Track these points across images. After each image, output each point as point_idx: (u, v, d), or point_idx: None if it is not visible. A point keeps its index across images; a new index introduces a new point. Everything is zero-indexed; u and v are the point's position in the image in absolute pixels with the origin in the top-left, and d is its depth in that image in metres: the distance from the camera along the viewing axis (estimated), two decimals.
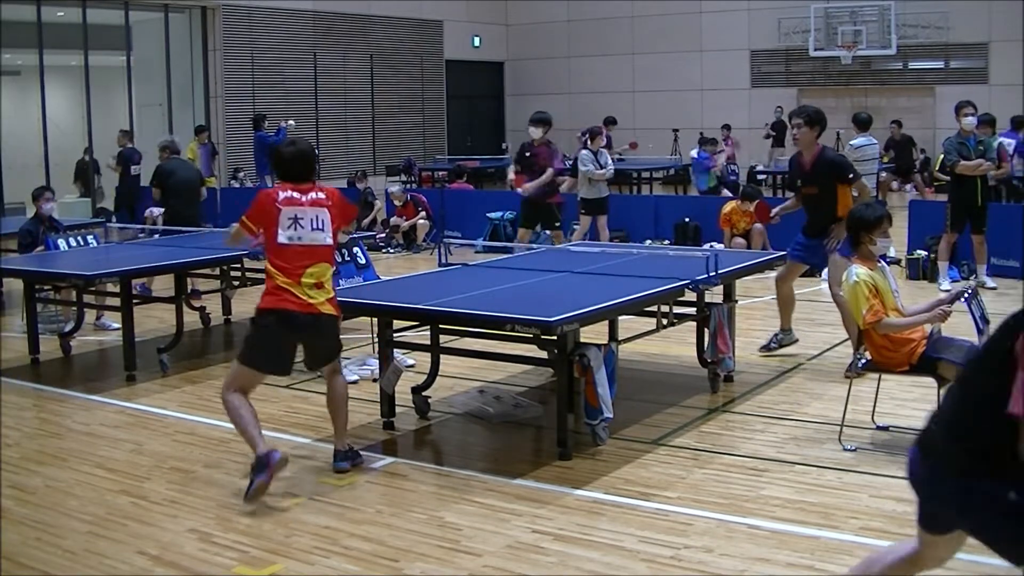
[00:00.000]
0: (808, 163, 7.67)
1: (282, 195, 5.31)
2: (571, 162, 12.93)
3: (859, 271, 5.67)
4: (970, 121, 10.46)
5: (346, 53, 23.89)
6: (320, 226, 5.31)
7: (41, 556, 4.51)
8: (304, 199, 5.32)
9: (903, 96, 23.11)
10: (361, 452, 5.65)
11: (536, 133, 11.21)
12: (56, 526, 4.85)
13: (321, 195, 5.37)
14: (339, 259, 7.59)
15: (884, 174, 17.91)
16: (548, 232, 11.88)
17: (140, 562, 4.43)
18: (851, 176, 7.56)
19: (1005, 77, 21.39)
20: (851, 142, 11.72)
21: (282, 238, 5.25)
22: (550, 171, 11.14)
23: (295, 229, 5.25)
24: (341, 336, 5.57)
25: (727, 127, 20.78)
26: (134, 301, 7.90)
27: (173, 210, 10.48)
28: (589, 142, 12.65)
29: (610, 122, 12.90)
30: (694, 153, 16.92)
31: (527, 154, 11.47)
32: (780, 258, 8.48)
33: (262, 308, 5.28)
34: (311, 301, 5.22)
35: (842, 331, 8.10)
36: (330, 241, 5.36)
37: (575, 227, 13.88)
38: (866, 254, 5.77)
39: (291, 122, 18.33)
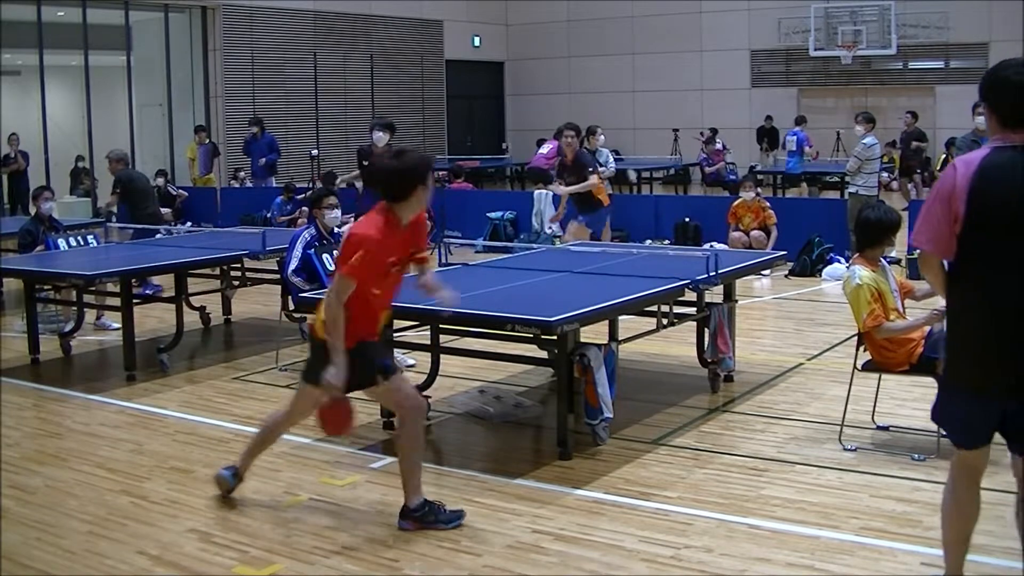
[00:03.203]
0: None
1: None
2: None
3: (863, 274, 5.63)
4: (983, 120, 10.44)
5: (346, 53, 23.87)
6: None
7: (41, 556, 4.51)
8: None
9: (903, 96, 23.07)
10: (361, 452, 5.64)
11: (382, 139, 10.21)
12: (56, 526, 4.85)
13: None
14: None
15: (885, 174, 17.87)
16: None
17: (140, 562, 4.43)
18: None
19: None
20: (863, 140, 11.69)
21: None
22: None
23: None
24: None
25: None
26: (135, 301, 7.90)
27: (137, 211, 10.99)
28: (586, 141, 12.60)
29: (591, 132, 12.70)
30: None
31: (364, 163, 10.49)
32: (780, 258, 8.49)
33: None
34: None
35: (842, 331, 8.11)
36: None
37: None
38: (873, 256, 5.75)
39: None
